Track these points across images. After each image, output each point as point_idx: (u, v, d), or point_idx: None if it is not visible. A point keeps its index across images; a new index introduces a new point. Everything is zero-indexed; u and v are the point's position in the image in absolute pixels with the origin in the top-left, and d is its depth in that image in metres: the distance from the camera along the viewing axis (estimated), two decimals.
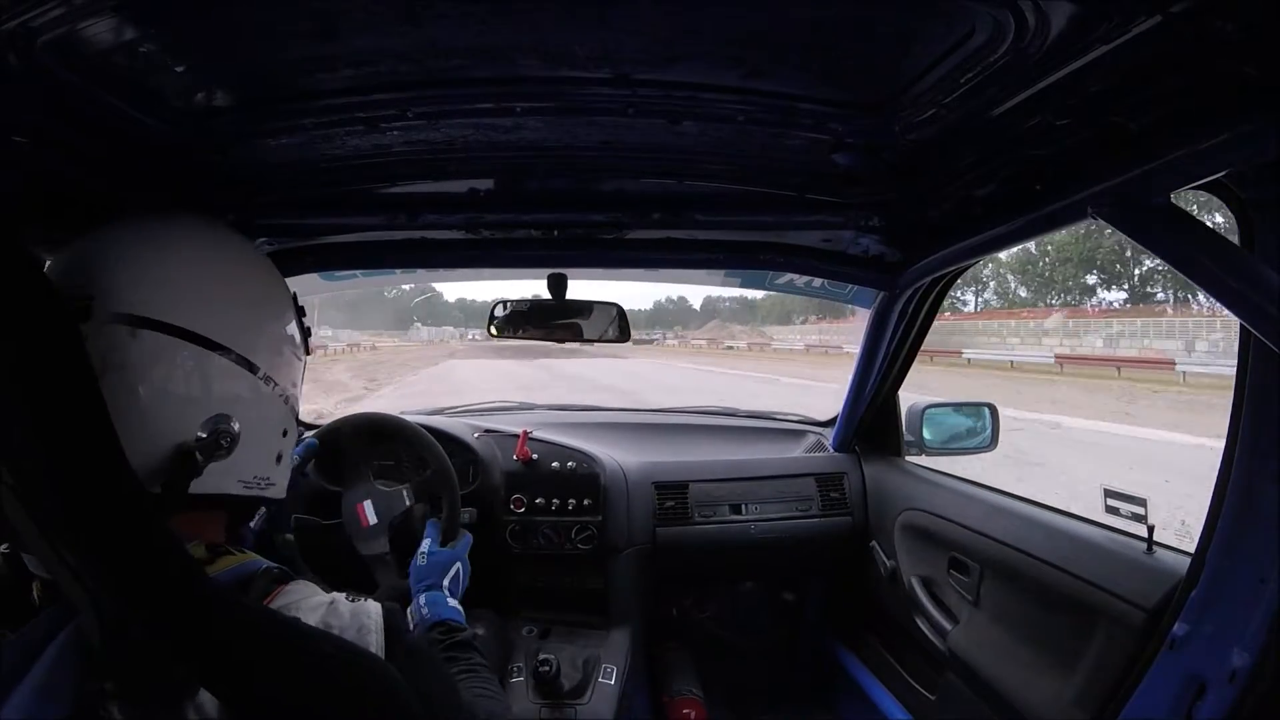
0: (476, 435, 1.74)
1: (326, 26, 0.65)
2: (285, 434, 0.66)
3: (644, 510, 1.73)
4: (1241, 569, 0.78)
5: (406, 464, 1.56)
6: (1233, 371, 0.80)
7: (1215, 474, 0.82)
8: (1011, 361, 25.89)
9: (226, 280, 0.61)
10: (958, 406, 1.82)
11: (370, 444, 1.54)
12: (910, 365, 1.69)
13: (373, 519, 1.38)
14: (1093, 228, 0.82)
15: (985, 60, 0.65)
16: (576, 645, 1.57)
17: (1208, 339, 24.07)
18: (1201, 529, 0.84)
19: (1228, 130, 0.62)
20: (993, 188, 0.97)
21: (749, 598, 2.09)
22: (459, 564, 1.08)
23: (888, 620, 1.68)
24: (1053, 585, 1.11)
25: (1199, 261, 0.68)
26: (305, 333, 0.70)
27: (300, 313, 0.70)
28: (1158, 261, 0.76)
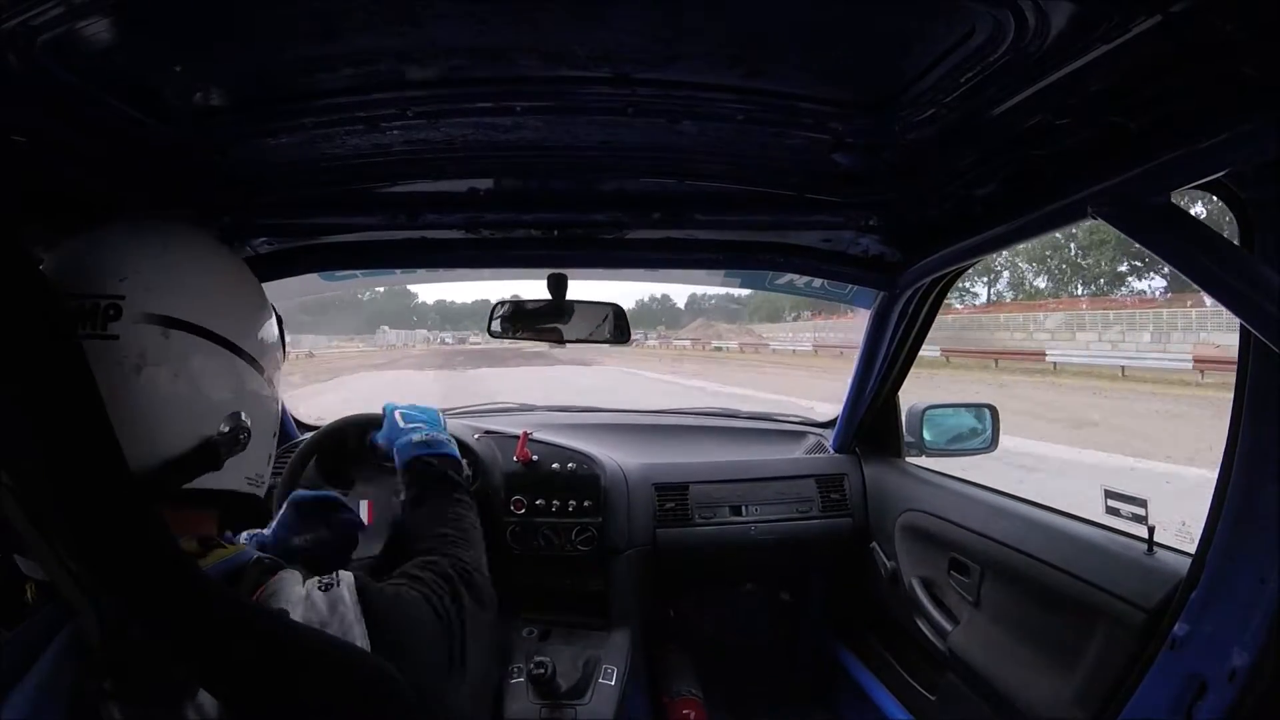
0: (476, 436, 1.74)
1: (326, 26, 0.65)
2: (274, 435, 0.68)
3: (644, 511, 1.73)
4: (1242, 569, 0.78)
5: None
6: None
7: None
8: (1123, 368, 18.85)
9: (234, 285, 0.64)
10: (958, 407, 1.82)
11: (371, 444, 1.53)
12: (910, 365, 1.69)
13: (372, 518, 1.38)
14: None
15: (985, 60, 0.65)
16: (577, 646, 1.57)
17: None
18: (1202, 529, 0.84)
19: (1228, 130, 0.62)
20: (993, 188, 0.97)
21: (749, 599, 2.09)
22: (396, 410, 1.04)
23: (888, 621, 1.68)
24: (1053, 586, 1.11)
25: (1199, 261, 0.68)
26: (282, 337, 0.72)
27: (278, 317, 0.71)
28: None
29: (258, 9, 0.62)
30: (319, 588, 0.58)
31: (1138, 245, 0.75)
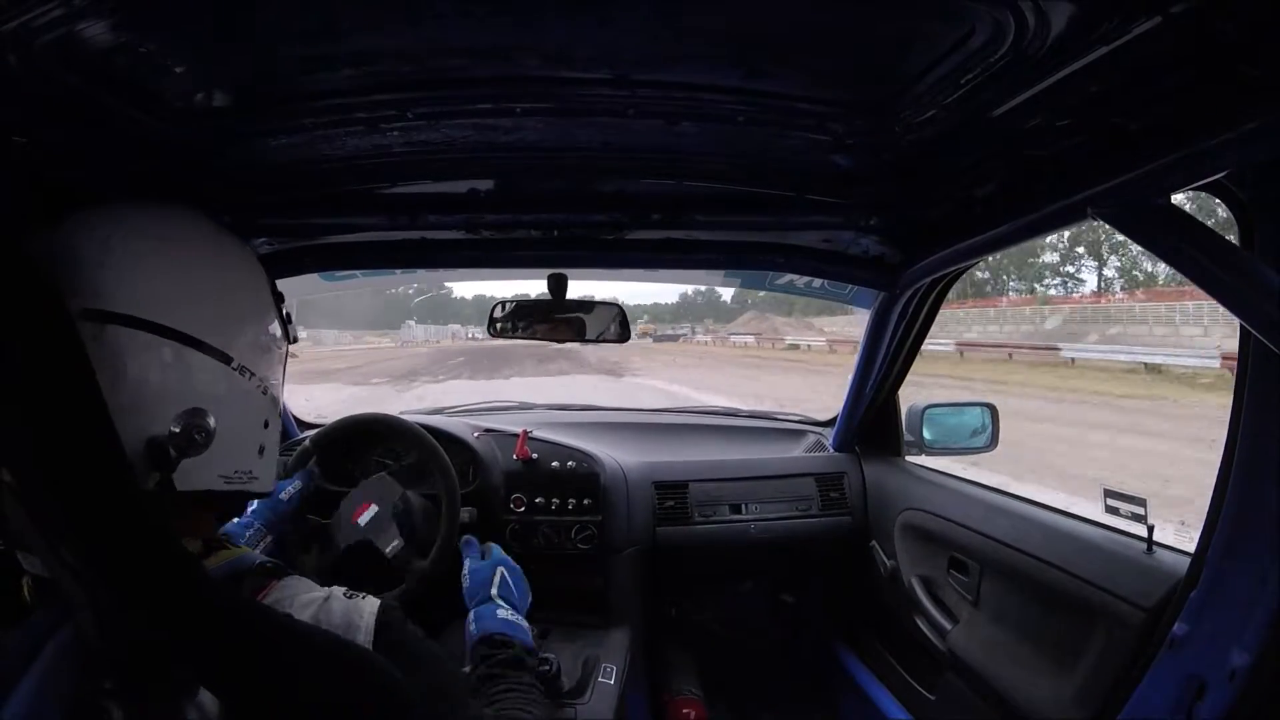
0: (476, 435, 1.74)
1: (326, 26, 0.65)
2: (267, 425, 0.64)
3: (644, 510, 1.73)
4: (1241, 569, 0.78)
5: (407, 463, 1.57)
6: None
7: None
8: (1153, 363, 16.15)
9: (194, 268, 0.59)
10: (958, 406, 1.82)
11: (370, 444, 1.54)
12: (910, 365, 1.69)
13: (371, 518, 1.39)
14: None
15: (985, 61, 0.65)
16: (576, 645, 1.57)
17: None
18: (1202, 529, 0.84)
19: (1228, 130, 0.62)
20: (993, 188, 0.97)
21: (749, 597, 2.09)
22: (501, 568, 1.01)
23: (888, 620, 1.68)
24: (1053, 585, 1.11)
25: (1199, 262, 0.68)
26: (285, 320, 0.68)
27: (279, 299, 0.68)
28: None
29: (258, 9, 0.62)
30: (345, 594, 0.58)
31: None
